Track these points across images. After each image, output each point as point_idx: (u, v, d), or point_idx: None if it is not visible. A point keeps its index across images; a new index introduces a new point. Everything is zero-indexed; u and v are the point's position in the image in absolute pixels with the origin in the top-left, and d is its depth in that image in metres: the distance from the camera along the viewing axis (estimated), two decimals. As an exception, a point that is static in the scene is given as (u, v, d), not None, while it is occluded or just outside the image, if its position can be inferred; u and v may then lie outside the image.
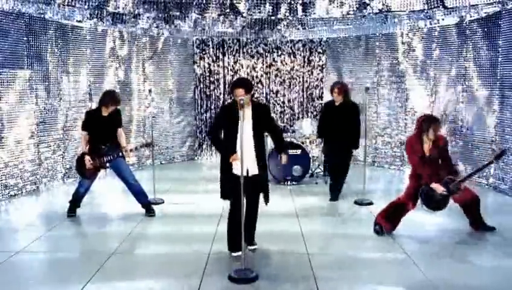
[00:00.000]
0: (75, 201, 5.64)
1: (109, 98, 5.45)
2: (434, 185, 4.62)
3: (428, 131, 4.69)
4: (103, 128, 5.41)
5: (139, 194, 5.63)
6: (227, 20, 8.07)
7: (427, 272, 3.97)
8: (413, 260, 4.25)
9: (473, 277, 3.91)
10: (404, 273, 4.03)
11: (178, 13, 7.47)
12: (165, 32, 8.90)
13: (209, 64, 9.61)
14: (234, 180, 4.06)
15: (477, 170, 5.13)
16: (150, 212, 5.62)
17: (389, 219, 4.92)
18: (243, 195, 3.94)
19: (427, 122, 4.74)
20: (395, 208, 4.93)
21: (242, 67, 9.66)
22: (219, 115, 4.46)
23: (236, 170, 4.08)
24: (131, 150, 5.57)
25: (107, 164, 5.46)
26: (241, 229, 3.94)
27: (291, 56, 9.67)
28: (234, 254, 4.26)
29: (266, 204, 4.39)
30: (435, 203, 4.66)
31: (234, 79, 4.46)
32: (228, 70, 9.65)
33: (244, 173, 3.95)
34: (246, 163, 3.98)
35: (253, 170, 4.22)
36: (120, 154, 5.46)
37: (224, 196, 4.33)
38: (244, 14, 7.63)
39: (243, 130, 3.92)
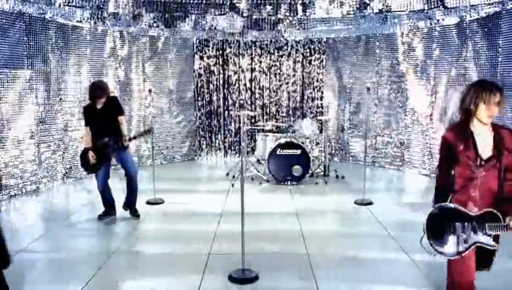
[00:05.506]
0: (104, 200, 5.57)
1: (89, 91, 5.33)
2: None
3: (477, 109, 2.75)
4: (100, 121, 5.31)
5: (132, 194, 5.61)
6: (227, 20, 8.08)
7: (428, 272, 3.97)
8: (413, 260, 4.25)
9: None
10: (405, 273, 4.04)
11: (178, 13, 7.47)
12: (165, 32, 8.90)
13: (208, 64, 9.62)
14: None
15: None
16: (134, 215, 5.62)
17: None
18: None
19: (475, 93, 2.71)
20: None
21: (242, 67, 9.68)
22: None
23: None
24: (129, 139, 5.41)
25: (110, 156, 5.39)
26: None
27: (291, 56, 9.68)
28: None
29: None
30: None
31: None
32: (228, 70, 9.67)
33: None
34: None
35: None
36: (120, 145, 5.31)
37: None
38: (244, 14, 7.64)
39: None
